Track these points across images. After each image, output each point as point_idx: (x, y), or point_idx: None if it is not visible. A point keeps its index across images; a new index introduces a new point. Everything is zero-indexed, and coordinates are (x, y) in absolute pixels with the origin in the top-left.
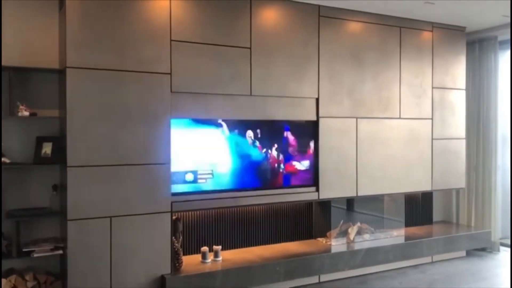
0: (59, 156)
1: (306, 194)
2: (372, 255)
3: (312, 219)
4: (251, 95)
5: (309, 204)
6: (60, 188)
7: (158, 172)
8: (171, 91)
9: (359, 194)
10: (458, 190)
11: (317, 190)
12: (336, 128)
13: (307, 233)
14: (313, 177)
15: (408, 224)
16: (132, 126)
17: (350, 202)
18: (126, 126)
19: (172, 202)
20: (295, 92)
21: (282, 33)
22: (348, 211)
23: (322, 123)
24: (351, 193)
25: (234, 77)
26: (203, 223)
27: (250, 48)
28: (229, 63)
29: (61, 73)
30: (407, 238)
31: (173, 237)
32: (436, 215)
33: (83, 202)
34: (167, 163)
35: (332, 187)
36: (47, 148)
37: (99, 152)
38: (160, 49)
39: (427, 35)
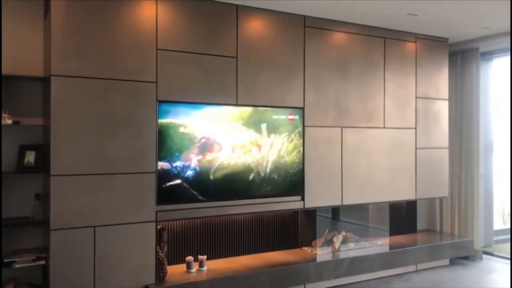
0: (43, 164)
1: (292, 203)
2: (357, 264)
3: (297, 228)
4: (237, 104)
5: (294, 213)
6: (43, 197)
7: (144, 181)
8: (157, 100)
9: (345, 203)
10: (441, 199)
11: (303, 199)
12: (321, 137)
13: (293, 243)
14: (296, 186)
15: (392, 232)
16: (117, 135)
17: (335, 211)
18: (112, 134)
19: (157, 212)
20: (281, 101)
21: (269, 43)
22: (333, 219)
23: (308, 132)
24: (336, 202)
25: (220, 86)
26: (187, 232)
27: (236, 57)
28: (215, 72)
29: (45, 81)
30: (391, 246)
31: (158, 247)
32: (420, 223)
33: (67, 211)
34: (153, 171)
35: (318, 196)
36: (30, 157)
37: (83, 161)
38: (146, 58)
39: (410, 46)
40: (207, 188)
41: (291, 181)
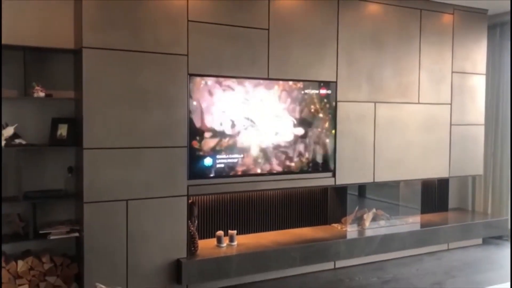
0: (75, 138)
1: (323, 180)
2: (388, 242)
3: (327, 205)
4: (268, 78)
5: (324, 190)
6: (76, 171)
7: (175, 155)
8: (188, 73)
9: (376, 180)
10: (474, 177)
11: (334, 175)
12: (354, 112)
13: (322, 219)
14: (328, 162)
15: (423, 211)
16: (148, 109)
17: (364, 188)
18: (143, 108)
19: (188, 186)
20: (313, 75)
21: (301, 14)
22: (363, 197)
23: (340, 107)
24: (368, 179)
25: (251, 59)
26: (218, 207)
27: (268, 29)
28: (246, 45)
29: (76, 53)
30: (423, 225)
31: (189, 221)
32: (452, 202)
33: (99, 184)
34: (184, 146)
35: (349, 173)
36: (62, 130)
37: (115, 135)
38: (177, 30)
39: (448, 18)
40: (237, 163)
41: (323, 157)
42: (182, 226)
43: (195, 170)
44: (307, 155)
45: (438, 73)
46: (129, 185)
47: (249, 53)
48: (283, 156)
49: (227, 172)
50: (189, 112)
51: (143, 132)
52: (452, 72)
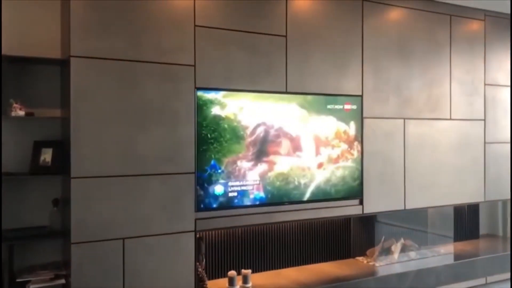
0: (61, 164)
1: (349, 208)
2: (423, 278)
3: (350, 236)
4: (286, 92)
5: (347, 219)
6: (63, 204)
7: (181, 183)
8: (195, 87)
9: (407, 207)
10: (505, 201)
11: (361, 203)
12: (381, 130)
13: (345, 252)
14: (354, 188)
15: (453, 238)
16: (149, 128)
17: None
18: (143, 128)
19: (196, 220)
20: (336, 88)
21: (322, 20)
22: (386, 224)
23: (366, 124)
24: (398, 206)
25: (267, 70)
26: (228, 242)
27: (285, 36)
28: (262, 54)
29: (63, 64)
30: (457, 256)
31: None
32: (481, 227)
33: (90, 220)
34: (191, 172)
35: (378, 200)
36: (46, 155)
37: (110, 160)
38: (182, 36)
39: (478, 24)
40: (252, 191)
41: (348, 182)
42: (189, 267)
43: (204, 201)
44: (331, 179)
45: (470, 85)
46: (126, 220)
47: (265, 64)
48: (304, 181)
49: (241, 202)
50: (197, 131)
51: (143, 157)
52: (485, 84)
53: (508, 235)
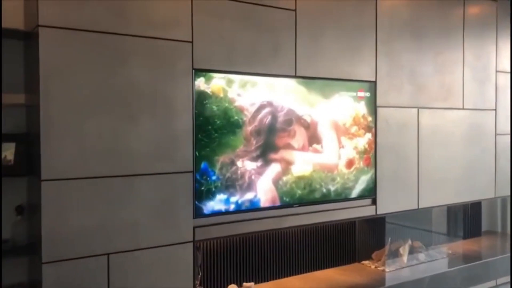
0: (28, 163)
1: (360, 209)
2: (438, 283)
3: (355, 239)
4: (296, 75)
5: (351, 221)
6: (29, 212)
7: (176, 184)
8: (192, 68)
9: (421, 206)
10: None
11: (374, 203)
12: (395, 120)
13: (350, 256)
14: (367, 186)
15: (455, 236)
16: (138, 118)
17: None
18: (130, 117)
19: (194, 228)
20: (349, 73)
21: None
22: (392, 225)
23: (380, 114)
24: (412, 206)
25: (274, 49)
26: (226, 251)
27: (295, 10)
28: (269, 31)
29: (29, 37)
30: (466, 257)
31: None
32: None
33: (66, 232)
34: (189, 170)
35: (391, 199)
36: (7, 152)
37: (90, 157)
38: (177, 6)
39: (491, 6)
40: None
41: (360, 179)
42: (187, 284)
43: (204, 205)
44: (343, 177)
45: (482, 72)
46: (111, 231)
47: (272, 42)
48: (318, 180)
49: (246, 205)
50: (195, 122)
51: (131, 154)
52: (497, 71)
53: (508, 231)
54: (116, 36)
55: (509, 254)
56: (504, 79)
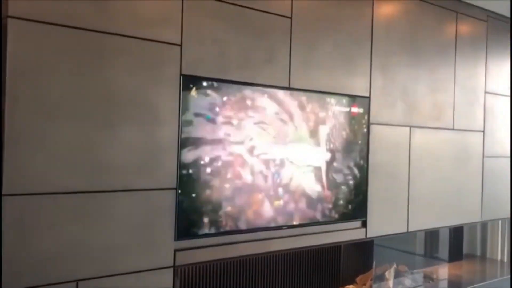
0: None
1: (350, 232)
2: None
3: (339, 262)
4: (289, 87)
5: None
6: None
7: (158, 202)
8: (180, 74)
9: (410, 229)
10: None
11: (364, 225)
12: (387, 139)
13: (333, 280)
14: (357, 208)
15: (438, 259)
16: (117, 126)
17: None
18: (109, 126)
19: (175, 251)
20: (343, 86)
21: (331, 1)
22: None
23: (373, 132)
24: (401, 229)
25: (268, 58)
26: (205, 278)
27: (290, 18)
28: (263, 37)
29: None
30: (452, 283)
31: None
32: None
33: (30, 256)
34: (172, 187)
35: (382, 221)
36: None
37: (60, 170)
38: (166, 3)
39: (481, 26)
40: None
41: (350, 200)
42: None
43: (186, 225)
44: (332, 198)
45: (471, 93)
46: (81, 255)
47: (266, 50)
48: (304, 201)
49: (232, 226)
50: (181, 133)
51: (107, 166)
52: (485, 92)
53: (488, 255)
54: (97, 33)
55: (494, 280)
56: (493, 101)
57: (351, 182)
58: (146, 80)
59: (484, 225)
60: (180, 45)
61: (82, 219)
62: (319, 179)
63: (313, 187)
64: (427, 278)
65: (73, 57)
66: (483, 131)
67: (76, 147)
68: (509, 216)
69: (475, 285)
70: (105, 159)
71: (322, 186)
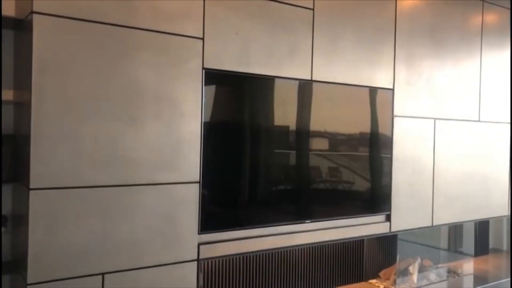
0: (13, 169)
1: (373, 226)
2: None
3: (362, 256)
4: (311, 80)
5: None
6: (13, 224)
7: (181, 195)
8: (203, 67)
9: (435, 223)
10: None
11: (389, 219)
12: (411, 132)
13: (356, 274)
14: (381, 201)
15: (464, 254)
16: (140, 121)
17: None
18: (131, 120)
19: (199, 245)
20: (367, 78)
21: None
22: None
23: (397, 124)
24: (426, 223)
25: (290, 51)
26: (228, 271)
27: (313, 9)
28: (285, 30)
29: (20, 25)
30: (477, 278)
31: None
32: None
33: (56, 249)
34: (195, 181)
35: (406, 216)
36: None
37: (85, 165)
38: None
39: (507, 14)
40: (268, 204)
41: (374, 194)
42: None
43: (211, 218)
44: (355, 191)
45: (497, 83)
46: (107, 248)
47: (288, 43)
48: (328, 195)
49: (255, 220)
50: (204, 127)
51: (131, 161)
52: None
53: None
54: (120, 28)
55: None
56: None
57: (375, 175)
58: (168, 74)
59: (509, 220)
60: (202, 39)
61: (107, 213)
62: (342, 172)
63: (337, 181)
64: (452, 272)
65: (97, 52)
66: (510, 123)
67: (100, 142)
68: None
69: (502, 280)
70: (129, 153)
71: (346, 180)
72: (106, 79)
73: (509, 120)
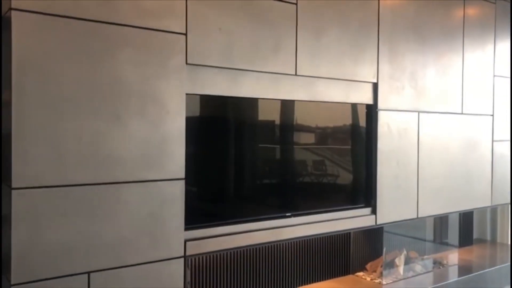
0: None
1: (359, 220)
2: None
3: (349, 249)
4: (296, 74)
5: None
6: None
7: (165, 193)
8: (186, 63)
9: (420, 215)
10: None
11: (374, 212)
12: (396, 125)
13: (343, 267)
14: (365, 194)
15: (448, 245)
16: (123, 118)
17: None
18: (114, 117)
19: (186, 241)
20: (351, 72)
21: None
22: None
23: (381, 118)
24: (411, 215)
25: (273, 45)
26: (215, 267)
27: (296, 3)
28: (268, 24)
29: None
30: (462, 268)
31: None
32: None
33: (40, 249)
34: (180, 177)
35: (391, 208)
36: None
37: (68, 163)
38: None
39: (489, 8)
40: (255, 197)
41: (359, 187)
42: None
43: (197, 214)
44: (339, 185)
45: (480, 76)
46: (92, 247)
47: (271, 38)
48: (313, 189)
49: (241, 215)
50: (188, 123)
51: (115, 158)
52: (494, 75)
53: (499, 240)
54: (101, 24)
55: (506, 264)
56: (502, 84)
57: (359, 169)
58: (151, 70)
59: (494, 209)
60: (185, 34)
61: (91, 211)
62: (327, 166)
63: (322, 175)
64: (437, 263)
65: (78, 48)
66: (492, 115)
67: (84, 139)
68: None
69: (486, 270)
70: (113, 151)
71: (331, 173)
72: (88, 76)
73: (491, 112)
